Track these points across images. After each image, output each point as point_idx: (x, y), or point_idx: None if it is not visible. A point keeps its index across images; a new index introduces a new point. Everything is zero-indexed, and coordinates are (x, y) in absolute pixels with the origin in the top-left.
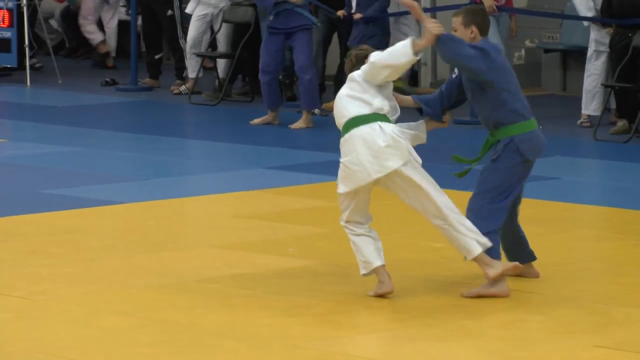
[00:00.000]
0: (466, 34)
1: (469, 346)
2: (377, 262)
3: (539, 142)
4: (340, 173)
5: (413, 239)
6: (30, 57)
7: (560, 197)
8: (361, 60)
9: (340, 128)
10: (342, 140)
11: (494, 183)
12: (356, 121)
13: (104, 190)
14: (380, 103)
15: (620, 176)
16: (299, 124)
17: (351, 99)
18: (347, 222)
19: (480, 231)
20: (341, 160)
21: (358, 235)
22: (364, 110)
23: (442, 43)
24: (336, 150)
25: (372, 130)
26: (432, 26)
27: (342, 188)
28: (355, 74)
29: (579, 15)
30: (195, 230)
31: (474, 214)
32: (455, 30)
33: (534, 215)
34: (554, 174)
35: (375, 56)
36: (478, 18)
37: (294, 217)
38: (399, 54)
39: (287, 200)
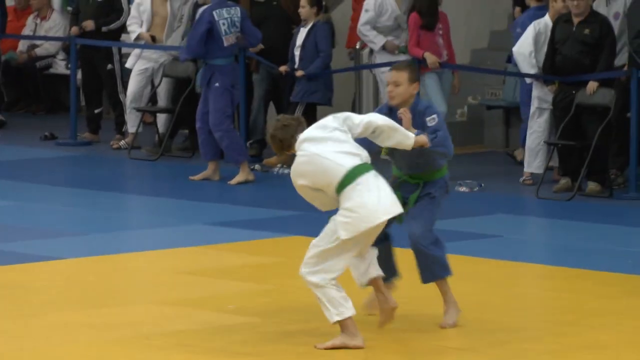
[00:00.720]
0: (410, 89)
1: None
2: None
3: None
4: (343, 219)
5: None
6: None
7: (502, 255)
8: (288, 145)
9: (333, 182)
10: (347, 189)
11: (436, 215)
12: (357, 171)
13: (43, 245)
14: (366, 154)
15: (563, 234)
16: (237, 178)
17: (341, 153)
18: (332, 279)
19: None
20: (344, 206)
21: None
22: (357, 160)
23: (434, 144)
24: (276, 205)
25: (376, 177)
26: (424, 140)
27: (344, 234)
28: (338, 134)
29: (522, 72)
30: (136, 286)
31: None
32: (398, 85)
33: (476, 273)
34: (496, 231)
35: (377, 119)
36: (418, 74)
37: (235, 274)
38: (403, 135)
39: (228, 256)
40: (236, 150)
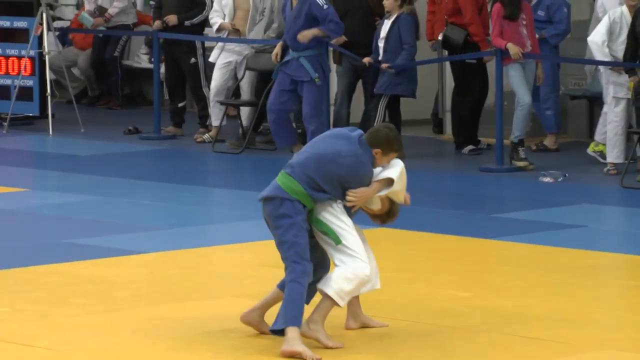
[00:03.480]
0: (384, 160)
1: None
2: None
3: None
4: None
5: (437, 287)
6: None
7: (586, 245)
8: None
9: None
10: None
11: None
12: None
13: (127, 239)
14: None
15: None
16: None
17: None
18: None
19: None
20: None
21: None
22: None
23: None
24: None
25: None
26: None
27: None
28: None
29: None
30: (220, 280)
31: None
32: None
33: (561, 264)
34: (580, 221)
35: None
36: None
37: None
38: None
39: None
40: None
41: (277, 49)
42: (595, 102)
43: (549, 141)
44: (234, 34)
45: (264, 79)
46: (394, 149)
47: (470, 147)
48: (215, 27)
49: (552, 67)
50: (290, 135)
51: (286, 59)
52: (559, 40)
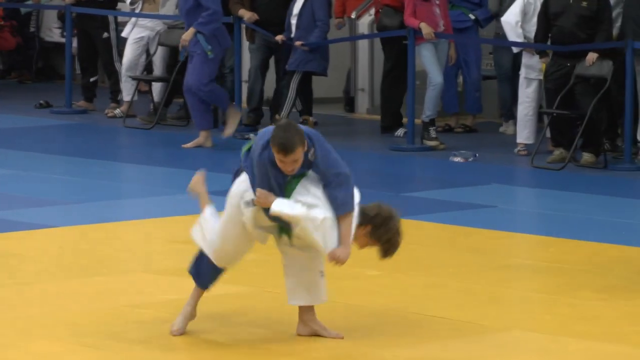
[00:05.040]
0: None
1: None
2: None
3: None
4: None
5: (347, 266)
6: None
7: (496, 226)
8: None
9: None
10: None
11: None
12: None
13: (37, 213)
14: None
15: (557, 205)
16: (191, 143)
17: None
18: None
19: None
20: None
21: None
22: None
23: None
24: None
25: None
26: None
27: None
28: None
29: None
30: (130, 255)
31: None
32: (297, 160)
33: (470, 243)
34: (490, 202)
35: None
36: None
37: None
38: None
39: None
40: (200, 117)
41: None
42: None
43: (469, 121)
44: (149, 5)
45: (175, 55)
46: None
47: (404, 129)
48: (128, 1)
49: (478, 50)
50: (205, 117)
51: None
52: (489, 22)
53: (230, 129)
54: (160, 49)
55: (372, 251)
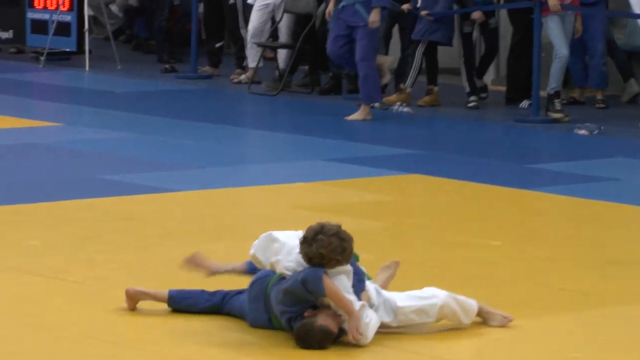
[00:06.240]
0: None
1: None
2: None
3: None
4: None
5: (469, 235)
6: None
7: (619, 199)
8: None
9: None
10: None
11: None
12: None
13: (161, 177)
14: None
15: None
16: (355, 115)
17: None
18: None
19: None
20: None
21: None
22: None
23: None
24: (396, 144)
25: None
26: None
27: None
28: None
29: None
30: (252, 221)
31: None
32: None
33: (593, 216)
34: (614, 175)
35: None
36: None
37: (351, 210)
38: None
39: (345, 192)
40: (369, 91)
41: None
42: (633, 55)
43: (600, 94)
44: None
45: (301, 23)
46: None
47: (529, 101)
48: None
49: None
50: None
51: (342, 4)
52: None
53: (354, 117)
54: (285, 16)
55: (496, 221)
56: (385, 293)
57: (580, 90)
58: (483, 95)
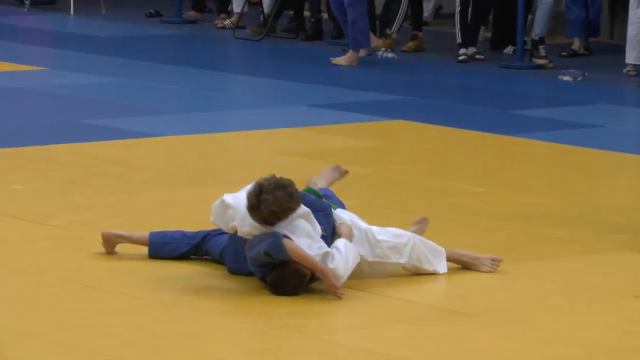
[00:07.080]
0: None
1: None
2: None
3: None
4: None
5: (453, 182)
6: None
7: (603, 145)
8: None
9: None
10: None
11: None
12: None
13: (145, 122)
14: None
15: None
16: (341, 59)
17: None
18: None
19: None
20: None
21: None
22: None
23: None
24: (380, 90)
25: None
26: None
27: None
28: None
29: None
30: (236, 166)
31: None
32: None
33: (577, 163)
34: (598, 121)
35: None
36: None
37: (335, 156)
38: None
39: (329, 138)
40: (356, 38)
41: None
42: (617, 2)
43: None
44: None
45: None
46: None
47: (513, 47)
48: None
49: None
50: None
51: None
52: None
53: (339, 60)
54: None
55: (480, 168)
56: (362, 224)
57: (581, 41)
58: (480, 56)
